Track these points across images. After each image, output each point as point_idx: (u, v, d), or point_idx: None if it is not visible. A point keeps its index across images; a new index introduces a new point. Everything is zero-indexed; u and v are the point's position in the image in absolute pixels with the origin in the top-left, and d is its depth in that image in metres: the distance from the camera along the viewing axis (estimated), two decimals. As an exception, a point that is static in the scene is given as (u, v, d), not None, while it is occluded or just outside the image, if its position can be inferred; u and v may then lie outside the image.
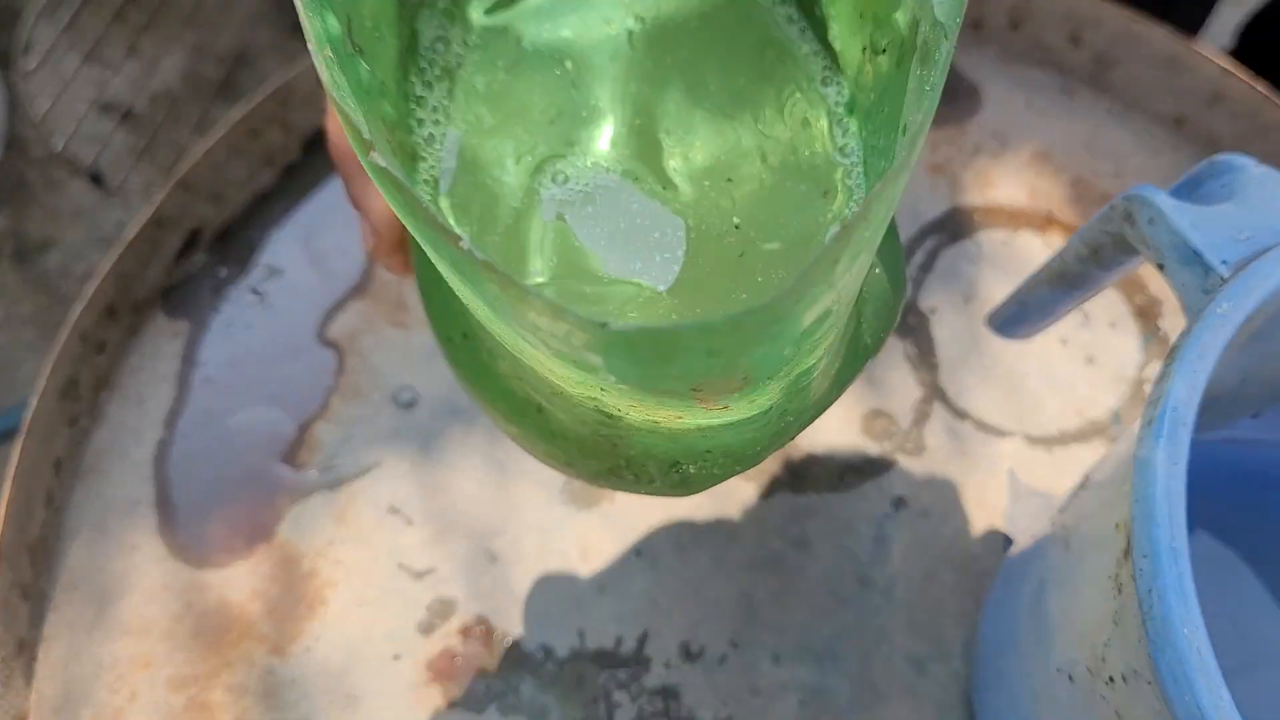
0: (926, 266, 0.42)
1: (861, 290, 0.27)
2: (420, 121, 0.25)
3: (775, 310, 0.17)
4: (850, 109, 0.26)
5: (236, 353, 0.39)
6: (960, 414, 0.40)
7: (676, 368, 0.19)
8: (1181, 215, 0.26)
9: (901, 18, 0.22)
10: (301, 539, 0.36)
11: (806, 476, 0.38)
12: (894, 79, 0.23)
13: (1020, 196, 0.44)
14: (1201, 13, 0.86)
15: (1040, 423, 0.39)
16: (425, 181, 0.24)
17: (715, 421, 0.24)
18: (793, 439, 0.28)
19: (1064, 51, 0.46)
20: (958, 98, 0.46)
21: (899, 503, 0.38)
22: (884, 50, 0.23)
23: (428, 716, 0.34)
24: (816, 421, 0.40)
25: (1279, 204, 0.27)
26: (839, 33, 0.25)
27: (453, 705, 0.34)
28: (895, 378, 0.40)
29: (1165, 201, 0.27)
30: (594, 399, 0.23)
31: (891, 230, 0.27)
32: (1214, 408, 0.33)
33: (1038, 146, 0.45)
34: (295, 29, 0.97)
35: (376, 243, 0.26)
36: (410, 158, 0.24)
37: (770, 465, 0.38)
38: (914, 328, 0.41)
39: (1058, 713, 0.28)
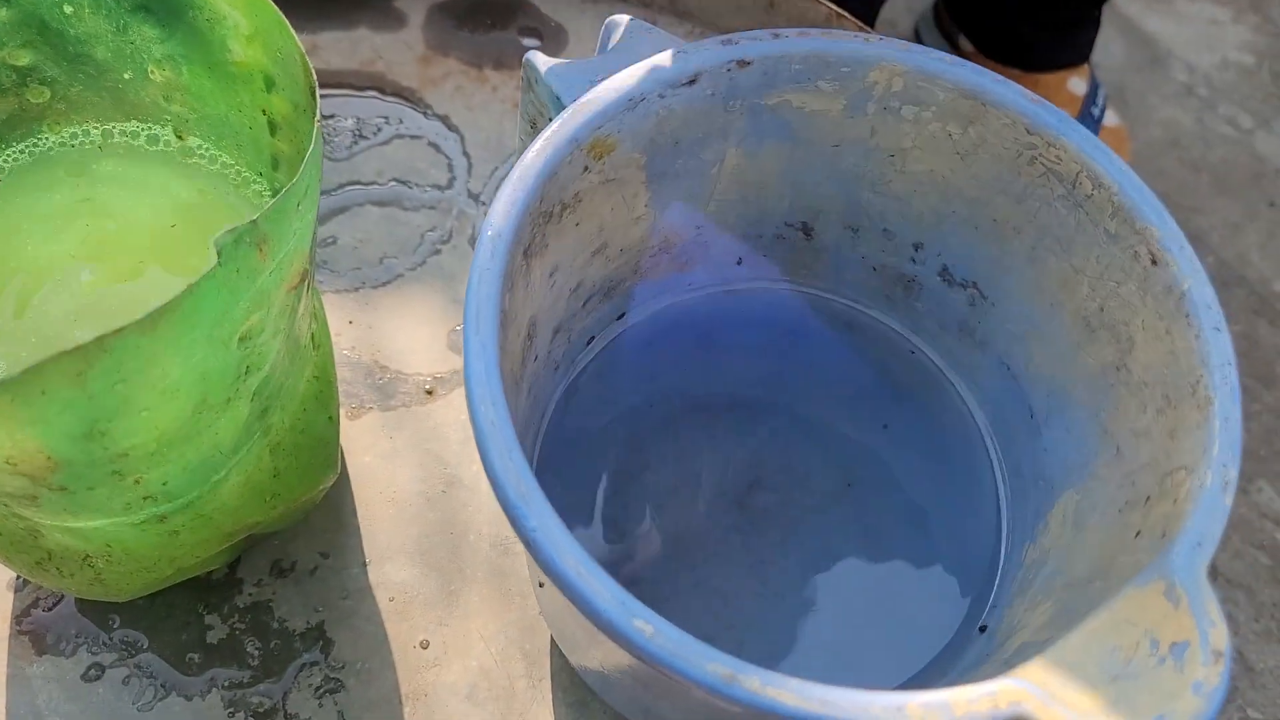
0: (512, 192, 0.45)
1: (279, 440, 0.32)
2: None
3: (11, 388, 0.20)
4: None
5: None
6: (544, 319, 0.42)
7: None
8: (552, 70, 0.29)
9: None
10: (-107, 523, 0.37)
11: (395, 394, 0.40)
12: None
13: (602, 119, 0.47)
14: None
15: (619, 316, 0.42)
16: None
17: (85, 520, 0.28)
18: (205, 562, 0.32)
19: (639, -15, 0.50)
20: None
21: (485, 405, 0.40)
22: None
23: (19, 666, 0.35)
24: (402, 341, 0.42)
25: (633, 48, 0.30)
26: None
27: (44, 653, 0.35)
28: (481, 294, 0.42)
29: (542, 61, 0.30)
30: None
31: (322, 401, 0.33)
32: (712, 259, 0.36)
33: (623, 74, 0.49)
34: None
35: None
36: None
37: (360, 391, 0.40)
38: (498, 247, 0.44)
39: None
